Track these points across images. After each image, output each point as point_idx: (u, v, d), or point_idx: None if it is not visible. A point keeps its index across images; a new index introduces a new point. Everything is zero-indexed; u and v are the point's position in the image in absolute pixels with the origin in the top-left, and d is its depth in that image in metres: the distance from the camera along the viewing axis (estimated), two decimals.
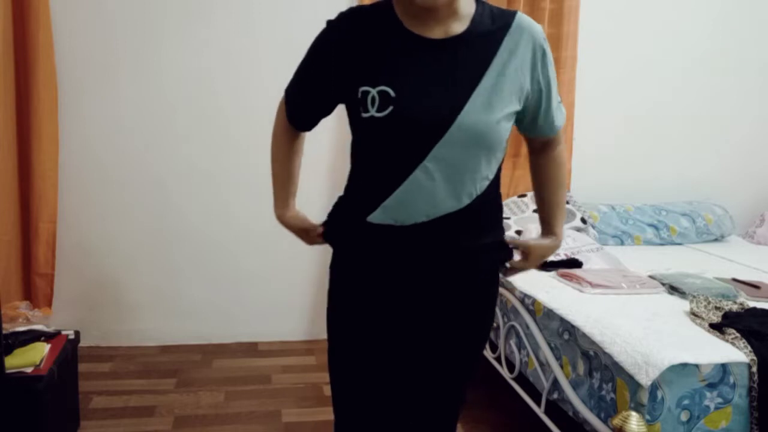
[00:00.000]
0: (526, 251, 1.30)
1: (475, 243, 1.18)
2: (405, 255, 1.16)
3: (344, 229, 1.23)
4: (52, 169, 2.66)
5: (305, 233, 1.33)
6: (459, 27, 1.10)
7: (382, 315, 1.21)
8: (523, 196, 3.03)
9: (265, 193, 3.08)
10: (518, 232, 2.69)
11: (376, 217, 1.14)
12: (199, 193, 2.87)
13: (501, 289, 2.23)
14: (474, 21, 1.11)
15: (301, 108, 1.25)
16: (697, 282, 2.05)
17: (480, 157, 1.11)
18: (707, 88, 3.33)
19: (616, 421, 1.40)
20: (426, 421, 1.31)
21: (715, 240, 3.13)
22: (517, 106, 1.14)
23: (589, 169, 3.20)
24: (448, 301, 1.21)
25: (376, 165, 1.15)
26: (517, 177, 3.11)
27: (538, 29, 1.15)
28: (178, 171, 2.84)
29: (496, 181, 1.19)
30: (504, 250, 1.26)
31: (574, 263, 2.34)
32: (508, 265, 1.30)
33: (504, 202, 3.00)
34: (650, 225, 3.02)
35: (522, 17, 1.15)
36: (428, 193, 1.10)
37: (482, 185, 1.14)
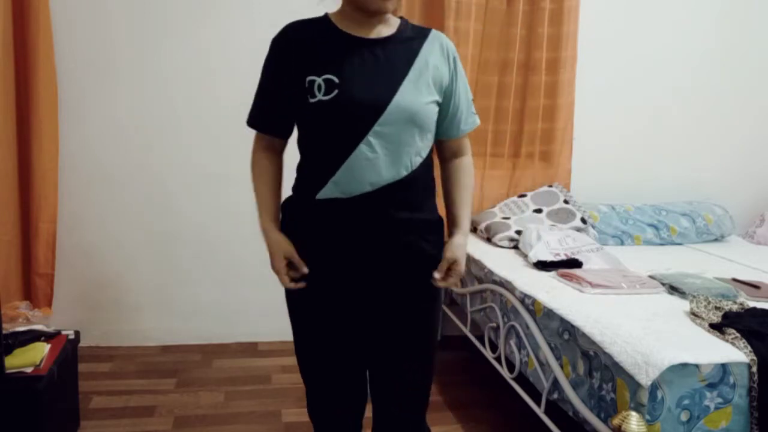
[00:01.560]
0: (450, 262, 1.36)
1: (411, 215, 1.31)
2: (351, 226, 1.28)
3: (295, 210, 1.35)
4: (52, 169, 2.66)
5: (286, 261, 1.32)
6: (387, 31, 1.31)
7: (335, 285, 1.32)
8: (523, 196, 3.03)
9: None
10: (518, 232, 2.69)
11: (325, 192, 1.27)
12: (199, 193, 2.87)
13: (501, 290, 2.24)
14: (399, 29, 1.33)
15: (271, 112, 1.37)
16: (697, 282, 2.05)
17: (414, 134, 1.28)
18: (707, 89, 3.33)
19: (616, 421, 1.40)
20: (395, 392, 1.40)
21: (715, 240, 3.13)
22: (438, 97, 1.32)
23: (589, 169, 3.20)
24: (392, 268, 1.32)
25: (323, 146, 1.29)
26: (517, 177, 3.11)
27: (452, 44, 1.38)
28: (178, 171, 2.84)
29: (428, 161, 1.35)
30: (435, 228, 1.38)
31: (574, 263, 2.34)
32: (437, 280, 1.35)
33: (504, 202, 3.06)
34: (650, 225, 3.02)
35: (436, 32, 1.37)
36: (371, 164, 1.25)
37: (416, 161, 1.30)
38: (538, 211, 2.91)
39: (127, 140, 2.77)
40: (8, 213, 2.58)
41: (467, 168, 1.46)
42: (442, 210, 1.44)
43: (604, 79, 3.17)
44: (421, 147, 1.31)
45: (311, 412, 1.47)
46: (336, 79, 1.23)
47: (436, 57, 1.32)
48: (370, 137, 1.24)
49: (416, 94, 1.27)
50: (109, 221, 2.81)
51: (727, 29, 3.28)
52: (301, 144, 1.36)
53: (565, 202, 2.93)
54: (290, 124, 1.38)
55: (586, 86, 3.10)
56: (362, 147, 1.24)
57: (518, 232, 2.70)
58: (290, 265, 1.32)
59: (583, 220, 2.82)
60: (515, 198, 3.05)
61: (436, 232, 1.39)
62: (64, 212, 2.74)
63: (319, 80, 1.24)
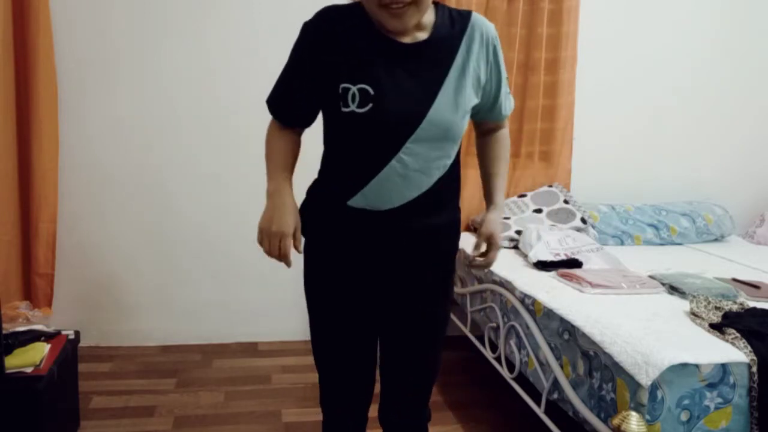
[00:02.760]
0: (488, 238, 1.40)
1: (432, 220, 1.30)
2: (377, 234, 1.28)
3: (324, 211, 1.32)
4: (52, 169, 2.66)
5: (292, 224, 1.27)
6: (423, 35, 1.23)
7: (357, 285, 1.33)
8: (523, 195, 3.03)
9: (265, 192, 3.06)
10: (518, 232, 2.69)
11: (356, 201, 1.25)
12: (199, 193, 2.87)
13: (501, 290, 2.24)
14: (436, 27, 1.24)
15: (293, 106, 1.30)
16: (697, 282, 2.05)
17: (445, 146, 1.25)
18: (707, 89, 3.33)
19: (616, 421, 1.40)
20: (404, 381, 1.44)
21: (715, 240, 3.13)
22: (476, 100, 1.29)
23: (589, 169, 3.21)
24: (412, 270, 1.33)
25: (354, 155, 1.25)
26: (517, 177, 3.11)
27: (491, 27, 1.29)
28: (178, 171, 2.84)
29: (454, 164, 1.31)
30: (453, 228, 1.38)
31: (574, 263, 2.34)
32: (473, 259, 1.41)
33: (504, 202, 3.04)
34: (650, 225, 3.02)
35: (477, 17, 1.28)
36: (401, 182, 1.23)
37: (444, 169, 1.28)
38: (538, 211, 2.91)
39: (127, 140, 2.77)
40: (8, 213, 2.58)
41: (504, 139, 1.46)
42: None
43: (604, 79, 3.17)
44: (449, 157, 1.29)
45: (323, 399, 1.47)
46: (372, 91, 1.18)
47: (475, 54, 1.26)
48: (402, 154, 1.21)
49: (451, 106, 1.23)
50: (109, 221, 2.81)
51: (727, 29, 3.28)
52: (329, 143, 1.32)
53: (565, 202, 2.93)
54: (312, 117, 1.32)
55: (586, 86, 3.10)
56: (394, 164, 1.21)
57: (518, 232, 2.70)
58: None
59: (583, 220, 2.82)
60: (515, 198, 3.05)
61: (453, 231, 1.39)
62: (64, 212, 2.74)
63: (354, 89, 1.18)
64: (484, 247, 1.41)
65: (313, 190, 1.36)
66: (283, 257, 1.28)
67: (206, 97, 2.81)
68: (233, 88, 2.82)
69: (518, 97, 3.03)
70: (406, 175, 1.22)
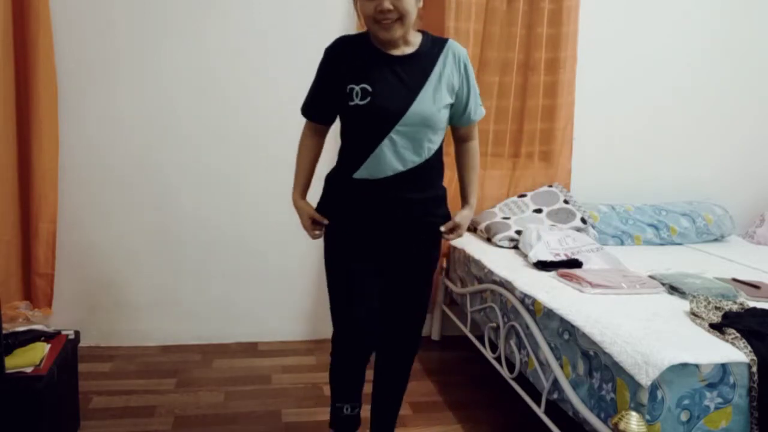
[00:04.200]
0: (454, 226, 1.80)
1: (422, 194, 1.71)
2: (377, 200, 1.69)
3: (337, 185, 1.76)
4: (52, 169, 2.66)
5: (310, 220, 1.78)
6: (410, 50, 1.66)
7: (363, 237, 1.73)
8: (523, 196, 3.03)
9: (266, 194, 3.10)
10: (518, 232, 2.69)
11: (359, 173, 1.67)
12: (199, 193, 2.87)
13: (501, 290, 2.24)
14: (420, 46, 1.67)
15: (319, 107, 1.76)
16: (697, 282, 2.05)
17: (427, 132, 1.65)
18: (707, 89, 3.33)
19: (616, 421, 1.40)
20: (400, 317, 1.84)
21: (715, 240, 3.13)
22: (450, 100, 1.69)
23: (589, 169, 3.21)
24: (404, 226, 1.73)
25: (358, 138, 1.68)
26: (517, 177, 3.11)
27: (463, 50, 1.72)
28: (178, 171, 2.84)
29: (438, 151, 1.72)
30: (440, 201, 1.79)
31: (574, 263, 2.34)
32: (443, 230, 1.79)
33: (504, 202, 3.07)
34: (650, 225, 3.02)
35: (452, 42, 1.72)
36: (393, 156, 1.64)
37: (428, 152, 1.68)
38: (538, 211, 2.91)
39: (128, 140, 2.77)
40: (8, 213, 2.58)
41: (474, 151, 1.88)
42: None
43: (604, 79, 3.17)
44: (432, 141, 1.67)
45: (337, 338, 1.79)
46: (370, 88, 1.60)
47: (449, 67, 1.67)
48: (393, 135, 1.62)
49: (430, 102, 1.62)
50: (109, 221, 2.81)
51: (727, 29, 3.28)
52: (343, 134, 1.74)
53: (565, 202, 2.93)
54: (333, 115, 1.77)
55: (586, 86, 3.10)
56: (386, 142, 1.62)
57: (518, 232, 2.70)
58: (315, 223, 1.77)
59: (583, 220, 2.82)
60: (515, 198, 3.05)
61: (440, 204, 1.79)
62: (64, 212, 2.74)
63: (357, 88, 1.61)
64: (447, 228, 1.79)
65: (330, 174, 1.80)
66: (312, 236, 1.81)
67: (206, 96, 2.80)
68: (233, 87, 2.82)
69: (518, 97, 3.03)
70: (396, 151, 1.63)
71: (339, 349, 1.80)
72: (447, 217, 1.80)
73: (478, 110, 1.80)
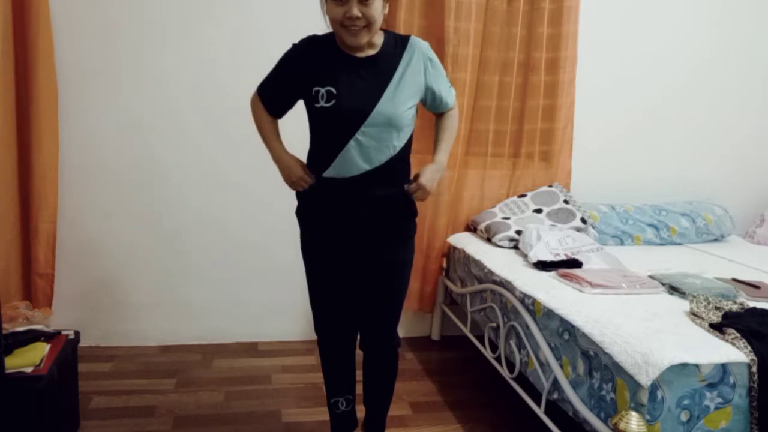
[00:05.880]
0: (417, 183, 1.74)
1: (387, 190, 1.73)
2: (345, 197, 1.72)
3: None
4: (52, 169, 2.66)
5: (297, 169, 1.74)
6: (373, 51, 1.68)
7: (334, 237, 1.77)
8: (523, 196, 3.03)
9: (266, 194, 3.09)
10: (518, 232, 2.69)
11: (328, 172, 1.70)
12: (199, 194, 2.87)
13: (501, 290, 2.24)
14: (383, 46, 1.69)
15: (273, 101, 1.78)
16: (697, 282, 2.05)
17: (391, 132, 1.67)
18: (707, 89, 3.33)
19: (616, 421, 1.40)
20: (374, 312, 1.85)
21: (715, 240, 3.13)
22: (415, 100, 1.72)
23: (589, 169, 3.21)
24: (372, 224, 1.75)
25: (325, 138, 1.71)
26: (517, 177, 3.11)
27: (425, 45, 1.74)
28: (178, 171, 2.84)
29: (404, 149, 1.73)
30: (406, 197, 1.77)
31: (574, 263, 2.34)
32: (407, 188, 1.75)
33: (504, 202, 3.07)
34: (650, 225, 3.02)
35: (414, 39, 1.73)
36: (359, 156, 1.66)
37: (393, 151, 1.69)
38: (538, 211, 2.91)
39: (128, 140, 2.77)
40: (8, 213, 2.58)
41: (452, 116, 1.87)
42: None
43: (604, 79, 3.17)
44: (397, 140, 1.69)
45: (317, 328, 1.91)
46: (334, 91, 1.62)
47: (413, 64, 1.70)
48: (358, 136, 1.64)
49: (393, 103, 1.65)
50: (109, 221, 2.81)
51: (726, 29, 3.29)
52: (311, 133, 1.76)
53: (565, 202, 2.93)
54: (283, 111, 1.79)
55: (586, 86, 3.10)
56: (352, 143, 1.65)
57: (518, 232, 2.70)
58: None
59: (583, 220, 2.82)
60: (515, 198, 3.05)
61: (405, 199, 1.78)
62: (64, 212, 2.74)
63: (322, 90, 1.63)
64: (412, 177, 1.77)
65: None
66: (305, 183, 1.75)
67: (206, 95, 2.80)
68: (234, 86, 2.81)
69: (518, 97, 3.03)
70: (362, 151, 1.66)
71: (321, 336, 1.91)
72: (414, 211, 1.81)
73: (450, 94, 1.82)
